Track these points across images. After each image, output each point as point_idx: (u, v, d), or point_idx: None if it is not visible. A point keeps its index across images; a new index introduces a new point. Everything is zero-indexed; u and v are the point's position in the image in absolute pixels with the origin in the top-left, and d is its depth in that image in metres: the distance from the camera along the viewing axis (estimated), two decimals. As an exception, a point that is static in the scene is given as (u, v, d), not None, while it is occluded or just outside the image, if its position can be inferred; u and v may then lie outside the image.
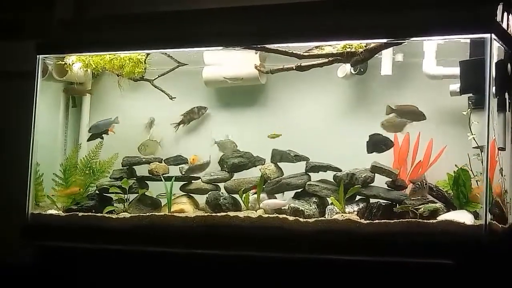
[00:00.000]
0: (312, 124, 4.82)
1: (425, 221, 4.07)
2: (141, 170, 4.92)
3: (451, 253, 3.94)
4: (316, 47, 4.51)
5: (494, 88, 4.06)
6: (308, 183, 4.52)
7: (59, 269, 4.91)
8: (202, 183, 4.76)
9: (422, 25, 4.15)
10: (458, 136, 4.38)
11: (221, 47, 4.67)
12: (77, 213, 4.70)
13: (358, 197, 4.43)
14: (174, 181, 4.73)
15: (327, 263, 4.24)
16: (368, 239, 4.09)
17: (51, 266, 4.92)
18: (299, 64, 4.61)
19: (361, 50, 4.43)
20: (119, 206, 4.74)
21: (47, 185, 4.91)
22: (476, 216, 4.14)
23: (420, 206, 4.17)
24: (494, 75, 4.03)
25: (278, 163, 4.66)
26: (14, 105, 5.39)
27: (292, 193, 4.58)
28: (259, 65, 4.82)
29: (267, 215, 4.38)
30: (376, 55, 4.49)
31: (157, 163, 4.85)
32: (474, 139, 4.22)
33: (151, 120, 5.08)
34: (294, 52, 4.53)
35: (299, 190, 4.55)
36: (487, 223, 3.92)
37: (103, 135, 5.00)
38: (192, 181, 4.81)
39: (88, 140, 5.06)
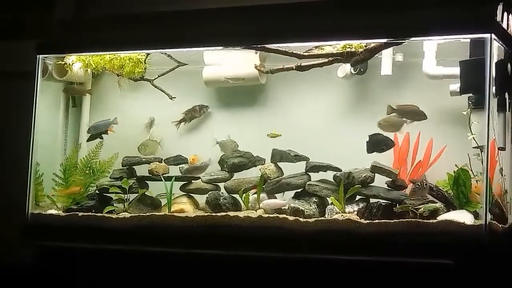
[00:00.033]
0: (312, 124, 4.83)
1: (425, 221, 4.07)
2: (141, 170, 4.92)
3: (451, 253, 3.94)
4: (316, 47, 4.51)
5: (494, 88, 4.06)
6: (308, 183, 4.52)
7: (59, 269, 4.91)
8: (202, 183, 4.76)
9: (422, 25, 4.15)
10: (458, 136, 4.38)
11: (221, 47, 4.67)
12: (77, 213, 4.69)
13: (358, 197, 4.43)
14: (174, 181, 4.73)
15: (327, 263, 4.24)
16: (368, 239, 4.09)
17: (51, 266, 4.92)
18: (299, 64, 4.61)
19: (361, 50, 4.43)
20: (119, 206, 4.74)
21: (47, 185, 4.91)
22: (476, 216, 4.13)
23: (420, 206, 4.17)
24: (494, 75, 4.03)
25: (278, 163, 4.66)
26: (14, 105, 5.39)
27: (292, 193, 4.58)
28: (259, 65, 4.82)
29: (267, 215, 4.38)
30: (376, 55, 4.49)
31: (157, 163, 4.85)
32: (474, 139, 4.22)
33: (151, 120, 5.09)
34: (294, 52, 4.53)
35: (299, 190, 4.55)
36: (487, 223, 3.92)
37: (103, 135, 4.99)
38: (192, 181, 4.80)
39: (88, 140, 5.06)
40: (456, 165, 4.26)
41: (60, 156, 5.17)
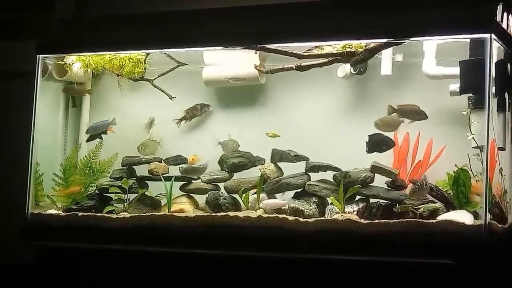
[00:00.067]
0: (312, 124, 4.83)
1: (425, 221, 4.07)
2: (141, 170, 4.92)
3: (451, 253, 3.94)
4: (316, 47, 4.51)
5: (494, 88, 4.06)
6: (308, 183, 4.52)
7: (59, 269, 4.90)
8: (202, 183, 4.76)
9: (422, 25, 4.15)
10: (458, 136, 4.38)
11: (221, 47, 4.67)
12: (77, 213, 4.70)
13: (358, 197, 4.43)
14: (174, 181, 4.73)
15: (327, 263, 4.24)
16: (368, 239, 4.09)
17: (51, 266, 4.92)
18: (299, 64, 4.61)
19: (361, 50, 4.43)
20: (119, 206, 4.74)
21: (47, 185, 4.91)
22: (476, 216, 4.13)
23: (420, 206, 4.17)
24: (494, 75, 4.02)
25: (278, 163, 4.66)
26: (14, 105, 5.39)
27: (292, 193, 4.58)
28: (259, 65, 4.82)
29: (267, 215, 4.38)
30: (376, 55, 4.49)
31: (157, 163, 4.85)
32: (474, 139, 4.22)
33: (151, 120, 5.08)
34: (294, 52, 4.53)
35: (299, 190, 4.55)
36: (487, 223, 3.92)
37: (103, 135, 4.99)
38: (192, 181, 4.80)
39: (87, 141, 5.06)
40: (456, 165, 4.26)
41: (60, 156, 5.17)
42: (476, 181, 4.17)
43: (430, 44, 4.45)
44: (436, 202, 4.25)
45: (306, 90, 4.87)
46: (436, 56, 4.48)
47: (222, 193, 4.67)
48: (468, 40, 4.27)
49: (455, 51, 4.38)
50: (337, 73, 4.73)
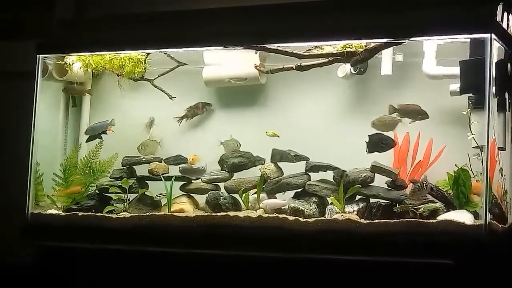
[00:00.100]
0: (312, 124, 4.83)
1: (425, 221, 4.07)
2: (141, 170, 4.92)
3: (451, 253, 3.94)
4: (316, 47, 4.51)
5: (494, 88, 4.06)
6: (308, 183, 4.52)
7: (59, 269, 4.90)
8: (202, 183, 4.76)
9: (422, 25, 4.15)
10: (458, 136, 4.38)
11: (221, 47, 4.67)
12: (77, 213, 4.70)
13: (358, 197, 4.43)
14: (174, 180, 4.73)
15: (327, 263, 4.24)
16: (368, 239, 4.09)
17: (51, 266, 4.92)
18: (299, 64, 4.61)
19: (361, 50, 4.43)
20: (119, 206, 4.74)
21: (47, 185, 4.91)
22: (476, 216, 4.13)
23: (420, 206, 4.17)
24: (494, 75, 4.02)
25: (278, 162, 4.66)
26: (14, 105, 5.39)
27: (292, 193, 4.58)
28: (259, 65, 4.82)
29: (267, 215, 4.38)
30: (376, 55, 4.49)
31: (157, 163, 4.85)
32: (474, 139, 4.22)
33: (151, 120, 5.08)
34: (294, 52, 4.53)
35: (299, 190, 4.55)
36: (487, 223, 3.92)
37: (102, 135, 4.99)
38: (192, 181, 4.80)
39: (86, 141, 5.06)
40: (456, 165, 4.26)
41: (60, 156, 5.17)
42: (476, 180, 4.17)
43: (430, 44, 4.45)
44: (436, 202, 4.25)
45: (306, 90, 4.87)
46: (436, 56, 4.48)
47: (222, 193, 4.67)
48: (468, 40, 4.26)
49: (455, 51, 4.38)
50: (337, 73, 4.73)
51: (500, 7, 4.21)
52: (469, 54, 4.30)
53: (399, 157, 4.57)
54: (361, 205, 4.34)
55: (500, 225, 4.11)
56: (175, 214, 4.56)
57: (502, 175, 4.25)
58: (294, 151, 4.61)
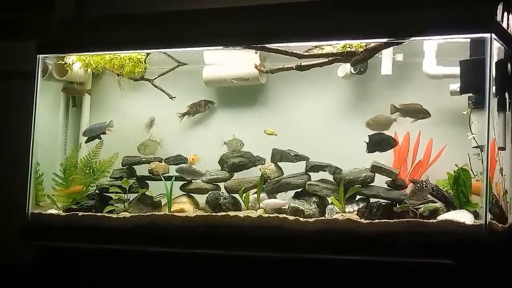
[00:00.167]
0: (312, 124, 4.83)
1: (425, 220, 4.07)
2: (141, 170, 4.92)
3: (451, 253, 3.94)
4: (316, 46, 4.51)
5: (494, 87, 4.06)
6: (308, 182, 4.52)
7: (59, 269, 4.90)
8: (202, 182, 4.76)
9: (422, 25, 4.14)
10: (458, 135, 4.38)
11: (221, 47, 4.67)
12: (77, 212, 4.70)
13: (358, 197, 4.42)
14: (175, 180, 4.73)
15: (327, 263, 4.23)
16: (368, 238, 4.09)
17: (51, 266, 4.92)
18: (299, 64, 4.61)
19: (361, 49, 4.43)
20: (119, 206, 4.74)
21: (47, 185, 4.91)
22: (476, 215, 4.13)
23: (420, 206, 4.17)
24: (494, 75, 4.02)
25: (278, 162, 4.66)
26: (14, 105, 5.39)
27: (293, 193, 4.58)
28: (259, 64, 4.82)
29: (267, 215, 4.38)
30: (376, 54, 4.49)
31: (157, 162, 4.85)
32: (474, 139, 4.22)
33: (151, 119, 5.08)
34: (294, 51, 4.53)
35: (299, 190, 4.55)
36: (487, 222, 3.92)
37: (102, 135, 4.99)
38: (192, 181, 4.80)
39: (85, 142, 5.05)
40: (456, 165, 4.26)
41: (60, 156, 5.17)
42: (477, 180, 4.17)
43: (430, 44, 4.46)
44: (437, 202, 4.25)
45: (306, 89, 4.87)
46: (436, 55, 4.49)
47: (222, 192, 4.67)
48: (469, 40, 4.27)
49: (455, 50, 4.38)
50: (337, 73, 4.73)
51: (500, 7, 4.21)
52: (469, 54, 4.30)
53: (399, 157, 4.57)
54: (361, 205, 4.34)
55: (500, 225, 4.11)
56: (175, 214, 4.56)
57: (502, 175, 4.25)
58: (294, 151, 4.61)
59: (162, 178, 4.76)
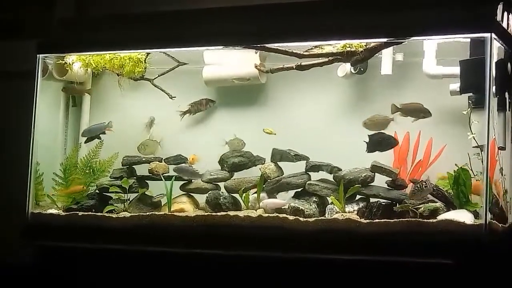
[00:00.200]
0: (312, 124, 4.82)
1: (425, 220, 4.07)
2: (142, 170, 4.91)
3: (451, 253, 3.94)
4: (316, 46, 4.51)
5: (494, 87, 4.05)
6: (308, 182, 4.52)
7: (59, 269, 4.90)
8: (202, 182, 4.76)
9: (422, 25, 4.14)
10: (458, 135, 4.38)
11: (221, 47, 4.67)
12: (77, 212, 4.69)
13: (358, 197, 4.42)
14: (175, 180, 4.73)
15: (327, 262, 4.23)
16: (368, 238, 4.09)
17: (51, 266, 4.92)
18: (299, 64, 4.61)
19: (361, 49, 4.43)
20: (119, 206, 4.74)
21: (47, 185, 4.91)
22: (476, 215, 4.13)
23: (420, 206, 4.17)
24: (494, 75, 4.02)
25: (278, 162, 4.66)
26: (14, 105, 5.39)
27: (293, 192, 4.58)
28: (259, 64, 4.82)
29: (267, 215, 4.38)
30: (376, 54, 4.49)
31: (157, 162, 4.85)
32: (474, 139, 4.22)
33: (151, 119, 5.08)
34: (294, 51, 4.53)
35: (299, 190, 4.55)
36: (487, 222, 3.92)
37: (102, 135, 4.99)
38: (192, 181, 4.80)
39: (85, 142, 5.05)
40: (456, 165, 4.25)
41: (60, 155, 5.17)
42: (477, 180, 4.17)
43: (430, 44, 4.45)
44: (437, 202, 4.25)
45: (306, 89, 4.87)
46: (436, 55, 4.48)
47: (222, 192, 4.66)
48: (469, 40, 4.27)
49: (455, 50, 4.38)
50: (337, 72, 4.73)
51: (500, 7, 4.21)
52: (469, 53, 4.30)
53: (399, 157, 4.57)
54: (361, 204, 4.34)
55: (500, 225, 4.11)
56: (175, 213, 4.56)
57: (502, 174, 4.25)
58: (294, 151, 4.61)
59: (162, 178, 4.76)
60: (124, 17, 4.99)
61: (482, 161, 4.04)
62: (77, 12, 5.39)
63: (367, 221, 4.17)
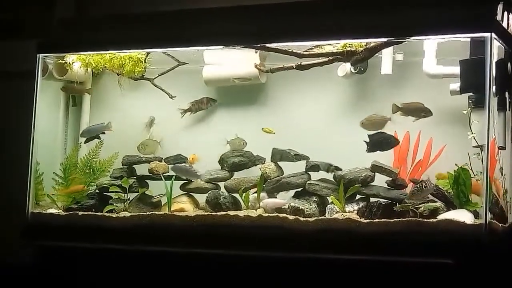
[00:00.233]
0: (312, 123, 4.82)
1: (425, 220, 4.07)
2: (142, 170, 4.91)
3: (451, 253, 3.93)
4: (316, 46, 4.51)
5: (494, 87, 4.05)
6: (308, 182, 4.52)
7: (59, 269, 4.90)
8: (202, 182, 4.76)
9: (422, 25, 4.14)
10: (458, 135, 4.38)
11: (221, 46, 4.67)
12: (77, 212, 4.69)
13: (358, 196, 4.42)
14: (175, 180, 4.73)
15: (327, 262, 4.23)
16: (368, 238, 4.09)
17: (51, 266, 4.92)
18: (299, 63, 4.61)
19: (361, 49, 4.43)
20: (119, 205, 4.74)
21: (47, 184, 4.91)
22: (476, 215, 4.13)
23: (420, 205, 4.17)
24: (494, 74, 4.02)
25: (278, 162, 4.66)
26: (14, 105, 5.39)
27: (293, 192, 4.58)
28: (259, 64, 4.82)
29: (267, 214, 4.38)
30: (376, 54, 4.49)
31: (157, 162, 4.85)
32: (474, 138, 4.22)
33: (151, 119, 5.08)
34: (294, 51, 4.53)
35: (299, 189, 4.55)
36: (487, 222, 3.92)
37: (102, 135, 4.99)
38: (192, 180, 4.81)
39: (84, 142, 5.05)
40: (456, 164, 4.25)
41: (60, 155, 5.17)
42: (477, 180, 4.17)
43: (430, 43, 4.45)
44: (437, 201, 4.25)
45: (306, 89, 4.87)
46: (437, 55, 4.48)
47: (222, 192, 4.67)
48: (469, 39, 4.26)
49: (455, 50, 4.38)
50: (337, 72, 4.73)
51: (500, 7, 4.21)
52: (469, 53, 4.30)
53: (399, 157, 4.57)
54: (361, 204, 4.34)
55: (500, 225, 4.11)
56: (175, 213, 4.56)
57: (502, 174, 4.25)
58: (294, 150, 4.61)
59: (162, 177, 4.76)
60: (124, 17, 4.99)
61: (482, 161, 4.04)
62: (77, 12, 5.40)
63: (367, 220, 4.17)
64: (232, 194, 4.67)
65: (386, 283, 4.21)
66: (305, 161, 4.58)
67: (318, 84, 4.84)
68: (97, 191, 4.88)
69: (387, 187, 4.40)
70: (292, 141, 4.68)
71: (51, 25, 5.33)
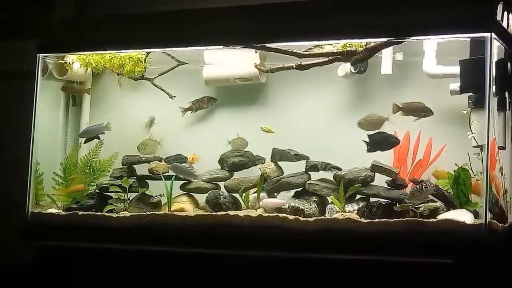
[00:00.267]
0: (312, 123, 4.82)
1: (425, 220, 4.07)
2: (142, 169, 4.91)
3: (451, 252, 3.93)
4: (316, 46, 4.51)
5: (494, 87, 4.05)
6: (308, 182, 4.52)
7: (59, 269, 4.90)
8: (202, 182, 4.76)
9: (422, 24, 4.14)
10: (458, 135, 4.38)
11: (221, 46, 4.67)
12: (77, 212, 4.69)
13: (358, 196, 4.42)
14: (175, 180, 4.73)
15: (327, 262, 4.23)
16: (368, 238, 4.09)
17: (51, 266, 4.92)
18: (299, 63, 4.61)
19: (361, 49, 4.43)
20: (119, 205, 4.74)
21: (47, 184, 4.91)
22: (476, 215, 4.13)
23: (420, 205, 4.17)
24: (494, 74, 4.02)
25: (278, 162, 4.66)
26: (14, 105, 5.39)
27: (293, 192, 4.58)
28: (259, 64, 4.82)
29: (267, 214, 4.38)
30: (376, 54, 4.49)
31: (157, 162, 4.85)
32: (474, 138, 4.22)
33: (151, 119, 5.08)
34: (294, 51, 4.53)
35: (299, 189, 4.55)
36: (487, 222, 3.91)
37: (101, 134, 4.99)
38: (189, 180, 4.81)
39: (84, 142, 5.05)
40: (456, 164, 4.25)
41: (60, 155, 5.17)
42: (477, 180, 4.17)
43: (430, 43, 4.45)
44: (437, 201, 4.25)
45: (306, 89, 4.87)
46: (436, 55, 4.48)
47: (222, 192, 4.67)
48: (469, 39, 4.26)
49: (455, 50, 4.38)
50: (337, 72, 4.73)
51: (500, 6, 4.21)
52: (469, 53, 4.30)
53: (399, 156, 4.57)
54: (361, 204, 4.34)
55: (500, 224, 4.11)
56: (175, 213, 4.56)
57: (502, 174, 4.25)
58: (294, 150, 4.61)
59: (162, 177, 4.76)
60: (124, 17, 5.00)
61: (482, 161, 4.04)
62: (77, 12, 5.40)
63: (367, 220, 4.17)
64: (232, 194, 4.67)
65: (386, 283, 4.22)
66: (305, 161, 4.58)
67: (318, 84, 4.84)
68: (97, 191, 4.88)
69: (387, 187, 4.40)
70: (292, 141, 4.68)
71: (51, 25, 5.33)
